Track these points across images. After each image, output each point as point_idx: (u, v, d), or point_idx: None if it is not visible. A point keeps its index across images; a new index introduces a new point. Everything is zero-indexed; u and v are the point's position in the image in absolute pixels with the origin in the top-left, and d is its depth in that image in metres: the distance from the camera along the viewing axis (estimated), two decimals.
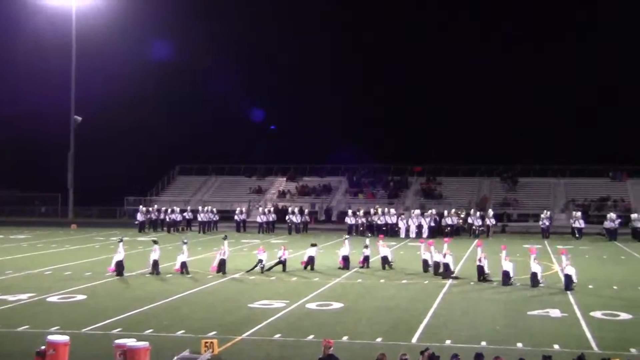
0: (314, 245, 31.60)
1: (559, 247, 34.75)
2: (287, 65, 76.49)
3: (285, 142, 73.17)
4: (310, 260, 30.61)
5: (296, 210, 52.58)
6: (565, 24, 73.22)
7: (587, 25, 71.08)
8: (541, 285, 25.66)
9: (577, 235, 46.98)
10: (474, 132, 69.99)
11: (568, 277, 25.20)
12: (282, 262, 30.02)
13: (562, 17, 73.28)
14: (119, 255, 28.86)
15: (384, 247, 31.61)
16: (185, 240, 30.83)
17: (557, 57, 72.65)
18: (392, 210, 50.99)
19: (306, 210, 54.29)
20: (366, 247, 31.71)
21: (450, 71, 74.17)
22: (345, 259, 30.98)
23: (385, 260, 30.99)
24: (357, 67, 77.17)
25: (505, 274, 26.16)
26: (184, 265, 29.25)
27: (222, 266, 29.16)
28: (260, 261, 29.39)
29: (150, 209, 54.10)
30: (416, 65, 75.42)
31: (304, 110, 75.53)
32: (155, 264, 29.10)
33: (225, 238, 30.80)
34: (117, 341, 14.38)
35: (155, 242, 30.27)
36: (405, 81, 75.33)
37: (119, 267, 28.58)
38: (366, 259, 31.08)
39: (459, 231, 48.64)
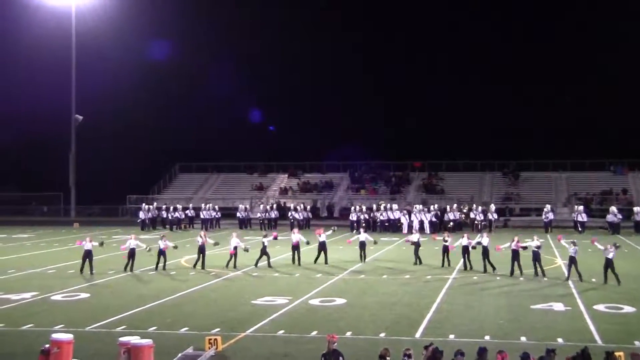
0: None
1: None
2: (287, 65, 76.50)
3: (286, 140, 73.20)
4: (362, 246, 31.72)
5: (298, 207, 52.59)
6: (564, 17, 73.19)
7: (588, 19, 71.06)
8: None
9: (579, 229, 46.95)
10: (474, 127, 69.93)
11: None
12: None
13: (562, 11, 73.26)
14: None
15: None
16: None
17: (557, 51, 72.63)
18: (395, 206, 51.01)
19: (308, 207, 54.28)
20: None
21: (450, 66, 74.25)
22: (362, 245, 31.76)
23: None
24: (356, 64, 77.20)
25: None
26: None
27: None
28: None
29: (152, 206, 54.11)
30: (415, 61, 75.49)
31: (305, 109, 75.47)
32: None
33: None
34: (121, 339, 14.38)
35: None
36: (405, 77, 75.32)
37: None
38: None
39: (461, 226, 48.60)
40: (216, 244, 31.80)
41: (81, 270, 28.55)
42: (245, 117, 75.10)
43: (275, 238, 32.11)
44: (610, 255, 25.03)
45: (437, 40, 74.86)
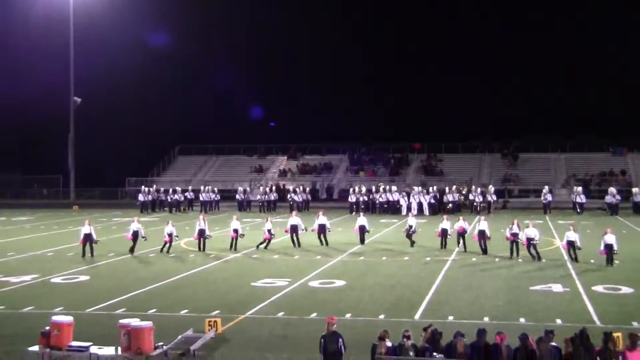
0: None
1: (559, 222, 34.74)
2: (287, 50, 76.06)
3: (285, 124, 73.04)
4: (322, 229, 31.35)
5: (298, 189, 52.55)
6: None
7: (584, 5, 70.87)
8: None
9: (578, 210, 46.99)
10: (473, 108, 69.74)
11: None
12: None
13: None
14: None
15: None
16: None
17: (556, 31, 72.29)
18: (394, 188, 51.00)
19: (307, 189, 54.25)
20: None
21: (450, 49, 73.92)
22: (362, 229, 31.70)
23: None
24: (356, 47, 76.79)
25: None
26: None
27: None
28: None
29: (152, 189, 54.06)
30: (415, 44, 75.13)
31: (303, 92, 75.19)
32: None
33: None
34: (121, 321, 14.43)
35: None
36: (404, 59, 75.01)
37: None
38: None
39: (460, 208, 48.61)
40: None
41: (83, 254, 28.55)
42: (245, 103, 74.82)
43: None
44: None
45: (436, 23, 74.54)
